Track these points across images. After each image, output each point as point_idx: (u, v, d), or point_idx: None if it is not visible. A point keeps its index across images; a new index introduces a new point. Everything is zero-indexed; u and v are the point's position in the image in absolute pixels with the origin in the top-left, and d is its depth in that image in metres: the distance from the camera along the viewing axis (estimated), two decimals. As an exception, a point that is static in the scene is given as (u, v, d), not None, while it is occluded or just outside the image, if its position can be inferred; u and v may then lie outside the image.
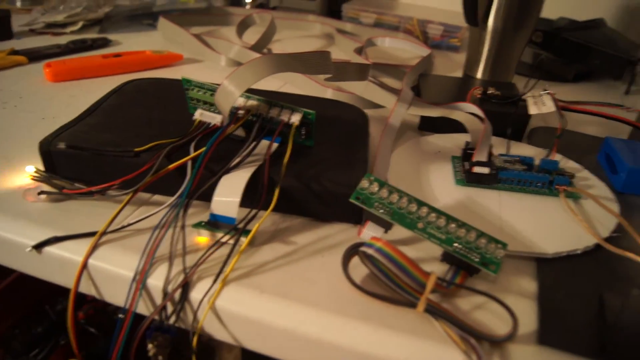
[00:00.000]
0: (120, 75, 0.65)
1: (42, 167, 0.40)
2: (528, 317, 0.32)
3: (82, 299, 0.85)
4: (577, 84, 0.81)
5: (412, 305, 0.30)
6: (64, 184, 0.39)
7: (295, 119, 0.39)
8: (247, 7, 1.01)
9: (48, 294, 0.83)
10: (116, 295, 0.35)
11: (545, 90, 0.54)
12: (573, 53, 0.80)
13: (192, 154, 0.37)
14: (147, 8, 0.88)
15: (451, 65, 0.82)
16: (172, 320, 0.32)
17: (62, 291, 0.81)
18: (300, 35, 0.92)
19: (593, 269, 0.37)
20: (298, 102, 0.47)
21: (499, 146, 0.52)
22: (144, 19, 0.87)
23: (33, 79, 0.62)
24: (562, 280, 0.36)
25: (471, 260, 0.33)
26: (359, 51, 0.72)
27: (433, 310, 0.30)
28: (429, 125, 0.56)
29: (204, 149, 0.36)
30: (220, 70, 0.69)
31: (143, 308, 0.33)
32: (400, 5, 1.02)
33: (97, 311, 0.84)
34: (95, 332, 0.80)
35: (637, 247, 0.37)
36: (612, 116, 0.56)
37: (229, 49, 0.71)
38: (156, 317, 0.32)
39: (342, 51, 0.83)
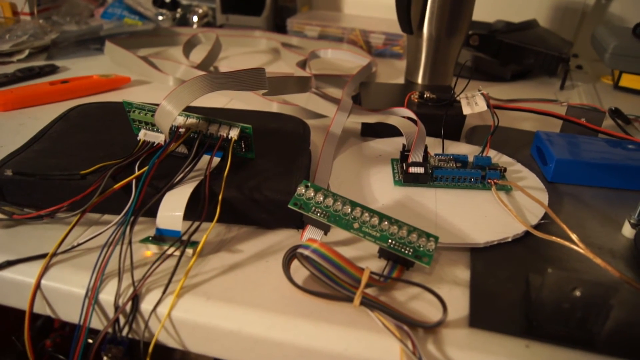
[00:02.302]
0: (69, 100, 0.66)
1: (-10, 195, 0.41)
2: (460, 303, 0.35)
3: (49, 328, 0.85)
4: (515, 83, 0.85)
5: (350, 299, 0.33)
6: (14, 209, 0.40)
7: (234, 133, 0.41)
8: (195, 26, 1.03)
9: (13, 325, 0.82)
10: (70, 313, 0.36)
11: (479, 90, 0.57)
12: (508, 54, 0.84)
13: (136, 173, 0.38)
14: (94, 32, 0.89)
15: (394, 72, 0.85)
16: (125, 332, 0.34)
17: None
18: (247, 51, 0.94)
19: (523, 255, 0.40)
20: (241, 117, 0.49)
21: (437, 146, 0.54)
22: (91, 43, 0.88)
23: (-19, 109, 0.62)
24: (493, 267, 0.38)
25: (405, 255, 0.36)
26: (302, 64, 0.74)
27: (369, 303, 0.32)
28: (370, 131, 0.58)
29: (147, 167, 0.38)
30: (168, 91, 0.70)
31: (97, 323, 0.35)
32: (343, 17, 1.05)
33: (65, 339, 0.84)
34: (64, 360, 0.80)
35: (563, 232, 0.40)
36: (543, 111, 0.59)
37: (176, 69, 0.73)
38: (109, 330, 0.33)
39: (288, 65, 0.85)
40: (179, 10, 1.05)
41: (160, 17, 1.02)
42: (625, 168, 0.49)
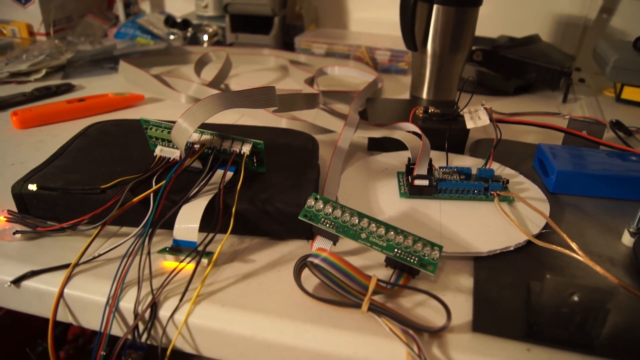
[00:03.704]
0: (85, 118, 0.68)
1: (15, 209, 0.43)
2: (464, 309, 0.36)
3: (63, 340, 0.87)
4: (518, 97, 0.86)
5: (358, 306, 0.34)
6: (37, 222, 0.42)
7: (246, 149, 0.43)
8: (205, 45, 1.05)
9: (28, 337, 0.84)
10: (92, 320, 0.38)
11: (482, 104, 0.59)
12: (511, 68, 0.85)
13: (154, 187, 0.40)
14: (108, 52, 0.92)
15: (400, 88, 0.87)
16: (143, 338, 0.35)
17: (42, 333, 0.82)
18: (256, 69, 0.96)
19: (524, 263, 0.41)
20: (253, 133, 0.51)
21: (441, 159, 0.56)
22: (106, 62, 0.90)
23: (0, 127, 0.64)
24: (496, 275, 0.40)
25: (410, 263, 0.37)
26: (310, 81, 0.76)
27: (376, 309, 0.34)
28: (377, 146, 0.60)
29: (164, 182, 0.40)
30: (181, 108, 0.73)
31: (117, 329, 0.37)
32: (350, 35, 1.07)
33: (78, 351, 0.86)
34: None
35: (563, 241, 0.41)
36: (545, 124, 0.61)
37: (188, 87, 0.75)
38: (129, 337, 0.35)
39: (296, 81, 0.88)
40: (189, 29, 1.07)
41: (171, 37, 1.04)
42: (624, 179, 0.51)
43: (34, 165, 0.46)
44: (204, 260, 0.38)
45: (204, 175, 0.42)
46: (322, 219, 0.39)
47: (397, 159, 0.56)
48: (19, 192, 0.42)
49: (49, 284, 0.38)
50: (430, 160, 0.50)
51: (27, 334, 0.83)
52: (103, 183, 0.42)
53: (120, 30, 1.06)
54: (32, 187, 0.42)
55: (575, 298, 0.32)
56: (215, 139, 0.44)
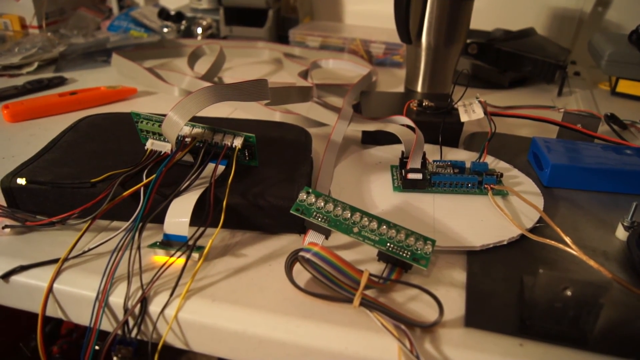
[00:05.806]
0: (78, 111, 0.68)
1: (4, 203, 0.43)
2: (457, 304, 0.36)
3: (56, 334, 0.87)
4: (513, 90, 0.86)
5: (350, 300, 0.34)
6: (27, 217, 0.41)
7: (238, 142, 0.43)
8: (199, 38, 1.04)
9: (21, 332, 0.84)
10: (81, 316, 0.38)
11: (477, 97, 0.59)
12: (507, 62, 0.85)
13: (144, 181, 0.40)
14: (101, 45, 0.91)
15: (395, 81, 0.87)
16: (134, 333, 0.35)
17: (36, 329, 0.82)
18: (251, 62, 0.95)
19: (518, 257, 0.41)
20: (245, 127, 0.51)
21: (436, 153, 0.56)
22: (98, 55, 0.89)
23: (-8, 121, 0.64)
24: (489, 269, 0.39)
25: (403, 257, 0.37)
26: (304, 74, 0.76)
27: (368, 304, 0.34)
28: (371, 139, 0.60)
29: (154, 175, 0.40)
30: (174, 101, 0.71)
31: (107, 325, 0.36)
32: (344, 27, 1.07)
33: (72, 345, 0.86)
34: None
35: (557, 235, 0.41)
36: (539, 117, 0.61)
37: (181, 80, 0.75)
38: (119, 332, 0.35)
39: (290, 75, 0.87)
40: (183, 22, 1.06)
41: (165, 30, 1.04)
42: (619, 172, 0.51)
43: (25, 159, 0.46)
44: (195, 255, 0.38)
45: (195, 169, 0.42)
46: (314, 213, 0.39)
47: (391, 153, 0.56)
48: (8, 186, 0.42)
49: (39, 279, 0.37)
50: (424, 154, 0.50)
51: (21, 329, 0.83)
52: (93, 177, 0.42)
53: (114, 23, 1.05)
54: (22, 181, 0.41)
55: (569, 292, 0.32)
56: (207, 132, 0.44)
